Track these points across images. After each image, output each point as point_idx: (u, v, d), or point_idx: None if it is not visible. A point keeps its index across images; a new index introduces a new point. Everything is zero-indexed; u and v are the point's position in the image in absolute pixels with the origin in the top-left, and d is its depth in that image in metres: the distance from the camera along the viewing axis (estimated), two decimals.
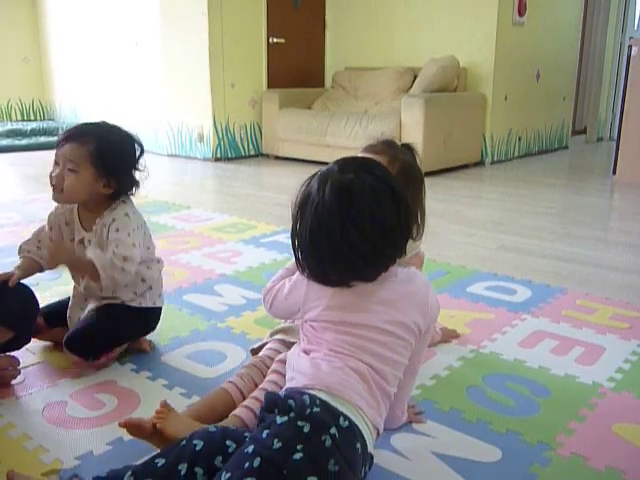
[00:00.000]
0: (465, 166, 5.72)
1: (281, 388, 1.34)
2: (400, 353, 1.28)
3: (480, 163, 5.89)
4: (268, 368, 1.55)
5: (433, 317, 1.35)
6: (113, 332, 1.79)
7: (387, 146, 1.74)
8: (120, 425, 1.31)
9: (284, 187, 4.71)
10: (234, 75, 5.92)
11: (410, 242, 1.80)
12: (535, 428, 1.50)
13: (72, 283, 1.88)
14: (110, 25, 6.76)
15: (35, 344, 1.86)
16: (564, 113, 7.08)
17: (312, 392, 1.15)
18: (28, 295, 1.71)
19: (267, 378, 1.50)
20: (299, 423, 1.09)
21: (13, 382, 1.68)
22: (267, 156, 6.24)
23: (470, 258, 2.93)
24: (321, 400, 1.14)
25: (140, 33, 6.38)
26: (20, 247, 1.84)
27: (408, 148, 1.76)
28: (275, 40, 6.19)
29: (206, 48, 5.66)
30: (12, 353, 1.72)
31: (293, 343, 1.59)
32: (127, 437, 1.36)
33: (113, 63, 6.83)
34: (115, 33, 6.72)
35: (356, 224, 1.20)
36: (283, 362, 1.47)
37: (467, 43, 5.65)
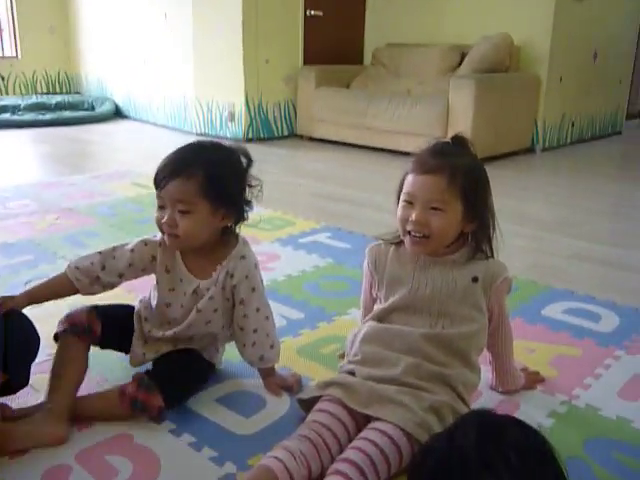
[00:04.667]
0: (514, 153, 5.29)
1: None
2: None
3: (530, 150, 5.46)
4: (325, 444, 1.21)
5: None
6: (191, 378, 1.57)
7: (440, 158, 1.40)
8: None
9: (322, 174, 4.35)
10: (269, 50, 5.55)
11: (499, 262, 1.47)
12: None
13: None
14: None
15: (36, 384, 1.54)
16: (619, 97, 6.60)
17: None
18: (27, 329, 1.39)
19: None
20: None
21: None
22: (301, 137, 5.87)
23: (540, 270, 2.56)
24: None
25: (169, 4, 6.04)
26: (75, 265, 1.52)
27: (459, 143, 1.44)
28: (313, 12, 5.79)
29: (239, 20, 5.28)
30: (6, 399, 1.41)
31: (354, 409, 1.27)
32: None
33: (141, 35, 6.52)
34: (143, 3, 6.40)
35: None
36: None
37: (521, 19, 5.19)
